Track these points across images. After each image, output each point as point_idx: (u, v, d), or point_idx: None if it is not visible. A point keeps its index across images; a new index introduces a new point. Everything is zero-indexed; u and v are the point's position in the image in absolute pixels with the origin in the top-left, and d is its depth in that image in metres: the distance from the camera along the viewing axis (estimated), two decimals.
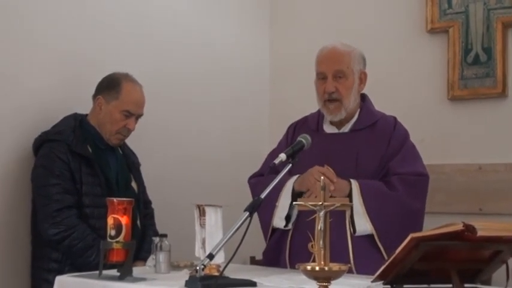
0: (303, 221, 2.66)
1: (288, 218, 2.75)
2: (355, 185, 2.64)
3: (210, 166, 3.85)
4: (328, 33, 3.72)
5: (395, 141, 2.77)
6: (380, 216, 2.62)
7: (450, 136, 3.66)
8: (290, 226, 2.76)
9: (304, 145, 2.54)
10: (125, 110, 2.97)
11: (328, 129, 2.87)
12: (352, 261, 2.59)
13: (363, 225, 2.62)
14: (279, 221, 2.76)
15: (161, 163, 3.57)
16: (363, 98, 2.90)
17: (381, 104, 2.96)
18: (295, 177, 2.73)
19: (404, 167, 2.71)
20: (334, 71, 2.76)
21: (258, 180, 2.85)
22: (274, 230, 2.83)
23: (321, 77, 2.79)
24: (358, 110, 2.85)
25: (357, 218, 2.62)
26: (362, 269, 2.53)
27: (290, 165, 2.42)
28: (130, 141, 3.20)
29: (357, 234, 2.63)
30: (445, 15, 3.68)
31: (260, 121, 4.22)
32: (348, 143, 2.79)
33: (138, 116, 3.03)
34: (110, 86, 2.98)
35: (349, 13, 4.01)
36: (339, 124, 2.85)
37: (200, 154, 3.82)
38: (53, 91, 3.12)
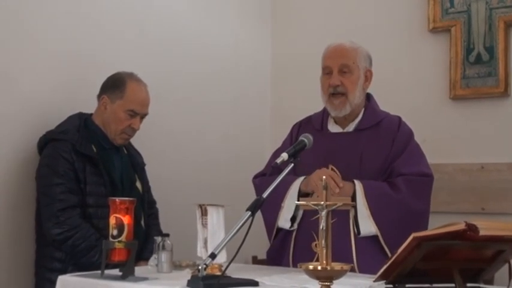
0: (307, 221, 2.66)
1: (293, 219, 2.75)
2: (359, 186, 2.63)
3: (212, 166, 3.85)
4: (329, 33, 3.71)
5: (400, 141, 2.76)
6: (384, 218, 2.61)
7: (452, 135, 3.66)
8: (295, 226, 2.76)
9: (306, 144, 2.54)
10: (129, 110, 2.97)
11: (333, 128, 2.87)
12: (355, 261, 2.58)
13: (368, 227, 2.61)
14: (284, 222, 2.76)
15: (163, 163, 3.56)
16: (368, 97, 2.90)
17: (383, 104, 2.95)
18: (301, 179, 2.73)
19: (408, 168, 2.70)
20: (340, 65, 2.76)
21: (262, 180, 2.85)
22: (279, 230, 2.83)
23: (327, 72, 2.79)
24: (363, 109, 2.84)
25: (361, 219, 2.62)
26: (365, 268, 2.52)
27: (292, 164, 2.43)
28: (132, 142, 3.20)
29: (361, 235, 2.63)
30: (447, 15, 3.68)
31: (262, 121, 4.22)
32: (352, 143, 2.78)
33: (143, 116, 3.03)
34: (115, 85, 2.98)
35: (351, 13, 4.01)
36: (343, 123, 2.85)
37: (202, 154, 3.82)
38: (56, 91, 3.12)
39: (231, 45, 4.04)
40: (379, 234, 2.61)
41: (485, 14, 3.57)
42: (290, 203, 2.70)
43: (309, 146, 2.54)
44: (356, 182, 2.64)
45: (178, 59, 3.73)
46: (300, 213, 2.73)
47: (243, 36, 4.14)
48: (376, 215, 2.61)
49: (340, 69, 2.76)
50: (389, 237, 2.60)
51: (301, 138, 2.55)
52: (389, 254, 2.56)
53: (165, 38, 3.67)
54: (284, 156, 2.47)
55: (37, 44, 3.06)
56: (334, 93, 2.77)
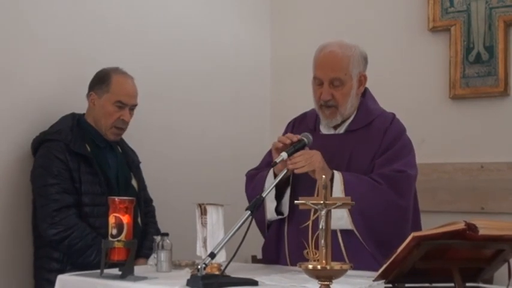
0: (297, 216, 2.62)
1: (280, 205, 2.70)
2: (337, 173, 2.57)
3: (211, 165, 3.85)
4: (329, 32, 3.71)
5: (387, 140, 2.70)
6: (354, 191, 2.49)
7: (452, 135, 3.66)
8: (286, 212, 2.68)
9: (305, 144, 2.53)
10: (117, 101, 2.96)
11: (324, 129, 2.82)
12: (346, 258, 2.55)
13: (339, 211, 2.44)
14: (270, 215, 2.70)
15: (162, 162, 3.56)
16: (363, 92, 2.83)
17: (382, 103, 2.94)
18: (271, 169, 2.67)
19: (383, 168, 2.64)
20: (331, 79, 2.68)
21: (250, 174, 2.85)
22: (269, 224, 2.79)
23: (318, 83, 2.73)
24: (356, 110, 2.79)
25: (335, 195, 2.48)
26: (355, 264, 2.49)
27: None
28: (131, 141, 3.20)
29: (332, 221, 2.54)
30: (446, 14, 3.68)
31: (261, 120, 4.22)
32: (342, 144, 2.74)
33: (132, 107, 3.02)
34: (100, 80, 3.00)
35: (350, 12, 4.01)
36: (335, 124, 2.82)
37: (201, 153, 3.82)
38: (52, 91, 3.11)
39: (231, 45, 4.04)
40: (350, 220, 2.52)
41: (485, 13, 3.57)
42: (270, 193, 2.55)
43: (308, 145, 2.53)
44: (335, 171, 2.59)
45: (178, 58, 3.73)
46: (286, 197, 2.67)
47: (243, 36, 4.14)
48: (348, 189, 2.52)
49: (331, 82, 2.69)
50: (359, 221, 2.53)
51: (300, 137, 2.54)
52: (357, 233, 2.53)
53: (165, 38, 3.67)
54: (284, 155, 2.47)
55: (35, 42, 3.06)
56: (325, 105, 2.71)
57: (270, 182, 2.54)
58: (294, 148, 2.46)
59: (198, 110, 3.83)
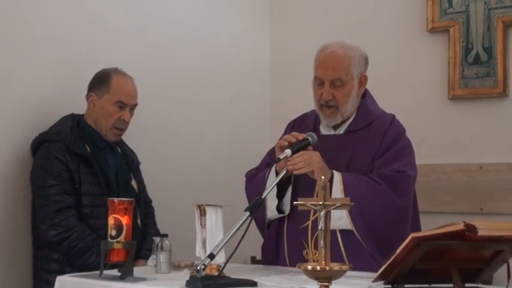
0: (297, 216, 2.62)
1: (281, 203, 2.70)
2: (337, 173, 2.58)
3: (210, 166, 3.86)
4: (328, 33, 3.71)
5: (387, 140, 2.71)
6: (354, 191, 2.51)
7: (451, 136, 3.66)
8: (287, 211, 2.68)
9: (309, 143, 2.54)
10: (117, 101, 2.96)
11: (324, 130, 2.82)
12: (345, 259, 2.56)
13: (339, 211, 2.38)
14: (271, 203, 2.70)
15: (161, 163, 3.56)
16: (363, 93, 2.84)
17: (382, 104, 2.95)
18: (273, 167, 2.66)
19: (383, 168, 2.64)
20: (332, 79, 2.69)
21: (251, 174, 2.85)
22: (269, 224, 2.79)
23: (319, 82, 2.73)
24: (355, 111, 2.79)
25: (334, 194, 2.50)
26: (355, 265, 2.49)
27: None
28: (130, 141, 3.20)
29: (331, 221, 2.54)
30: (445, 15, 3.69)
31: (261, 121, 4.22)
32: (342, 145, 2.75)
33: (132, 107, 3.03)
34: (100, 81, 3.00)
35: (349, 13, 4.01)
36: (335, 125, 2.82)
37: (200, 154, 3.82)
38: (51, 91, 3.11)
39: (231, 45, 4.05)
40: (349, 219, 2.53)
41: (484, 14, 3.57)
42: (270, 183, 2.54)
43: (313, 144, 2.54)
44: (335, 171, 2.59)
45: (178, 58, 3.73)
46: (288, 195, 2.67)
47: (243, 36, 4.14)
48: (347, 189, 2.53)
49: (332, 82, 2.69)
50: (359, 221, 2.53)
51: (306, 135, 2.55)
52: (356, 233, 2.54)
53: (165, 38, 3.67)
54: (288, 152, 2.48)
55: (35, 43, 3.05)
56: (325, 105, 2.72)
57: (272, 180, 2.54)
58: (297, 147, 2.46)
59: (198, 110, 3.84)
